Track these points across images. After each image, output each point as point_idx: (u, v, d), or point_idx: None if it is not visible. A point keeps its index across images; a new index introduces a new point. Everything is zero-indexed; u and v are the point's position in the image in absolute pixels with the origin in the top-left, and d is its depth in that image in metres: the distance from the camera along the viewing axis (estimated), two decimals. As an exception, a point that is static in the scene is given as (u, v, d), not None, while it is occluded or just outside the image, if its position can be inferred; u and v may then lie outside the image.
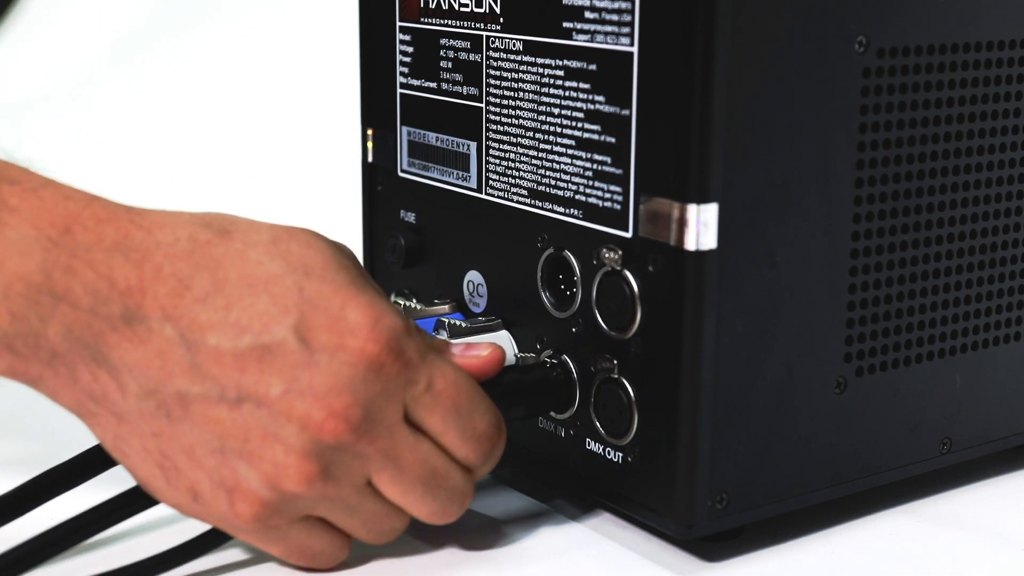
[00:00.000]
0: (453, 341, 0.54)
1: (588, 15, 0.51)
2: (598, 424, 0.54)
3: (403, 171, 0.64)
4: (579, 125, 0.53)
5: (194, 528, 0.50)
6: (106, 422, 0.46)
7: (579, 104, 0.53)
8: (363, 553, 0.52)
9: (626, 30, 0.50)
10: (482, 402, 0.50)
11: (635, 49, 0.50)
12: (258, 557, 0.52)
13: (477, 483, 0.52)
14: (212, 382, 0.44)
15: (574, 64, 0.53)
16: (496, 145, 0.57)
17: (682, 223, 0.48)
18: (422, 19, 0.61)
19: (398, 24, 0.62)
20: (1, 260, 0.43)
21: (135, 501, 0.49)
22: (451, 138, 0.60)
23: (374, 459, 0.47)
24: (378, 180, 0.66)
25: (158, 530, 0.54)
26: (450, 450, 0.49)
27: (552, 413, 0.56)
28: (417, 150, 0.62)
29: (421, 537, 0.54)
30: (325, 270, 0.46)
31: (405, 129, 0.63)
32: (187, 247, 0.45)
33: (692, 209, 0.48)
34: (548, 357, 0.56)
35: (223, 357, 0.44)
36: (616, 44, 0.50)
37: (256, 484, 0.45)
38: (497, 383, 0.53)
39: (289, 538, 0.48)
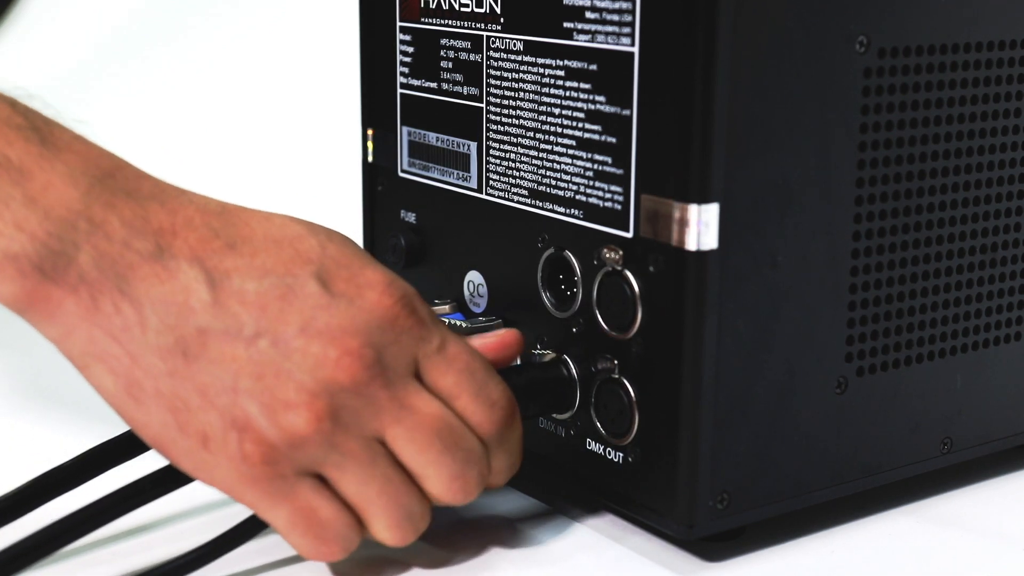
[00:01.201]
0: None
1: (589, 15, 0.51)
2: (599, 424, 0.54)
3: (403, 171, 0.64)
4: (580, 125, 0.53)
5: (194, 532, 0.50)
6: (119, 363, 0.46)
7: (580, 104, 0.53)
8: (363, 555, 0.52)
9: (627, 30, 0.50)
10: (496, 376, 0.50)
11: (636, 49, 0.50)
12: (269, 565, 0.52)
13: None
14: (232, 318, 0.46)
15: (575, 64, 0.53)
16: (496, 145, 0.57)
17: (683, 223, 0.48)
18: (422, 19, 0.61)
19: (398, 24, 0.62)
20: (48, 185, 0.45)
21: (132, 497, 0.49)
22: (451, 138, 0.60)
23: (386, 408, 0.47)
24: (378, 180, 0.66)
25: (155, 532, 0.54)
26: (464, 414, 0.49)
27: (552, 413, 0.56)
28: (417, 150, 0.62)
29: (422, 538, 0.54)
30: (344, 240, 0.49)
31: (405, 129, 0.63)
32: (217, 208, 0.48)
33: (693, 209, 0.48)
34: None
35: (245, 295, 0.46)
36: (617, 44, 0.50)
37: (266, 423, 0.45)
38: (514, 381, 0.53)
39: (296, 496, 0.47)
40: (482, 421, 0.49)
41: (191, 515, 0.55)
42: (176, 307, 0.45)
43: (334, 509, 0.48)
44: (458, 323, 0.57)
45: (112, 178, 0.47)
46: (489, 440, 0.50)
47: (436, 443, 0.48)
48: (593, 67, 0.52)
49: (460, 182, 0.60)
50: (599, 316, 0.53)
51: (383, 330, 0.47)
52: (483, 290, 0.60)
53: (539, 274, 0.56)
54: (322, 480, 0.47)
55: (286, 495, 0.47)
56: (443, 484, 0.49)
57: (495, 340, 0.53)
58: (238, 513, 0.50)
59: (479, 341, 0.53)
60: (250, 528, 0.50)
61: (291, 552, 0.52)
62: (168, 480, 0.49)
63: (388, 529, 0.49)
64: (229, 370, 0.45)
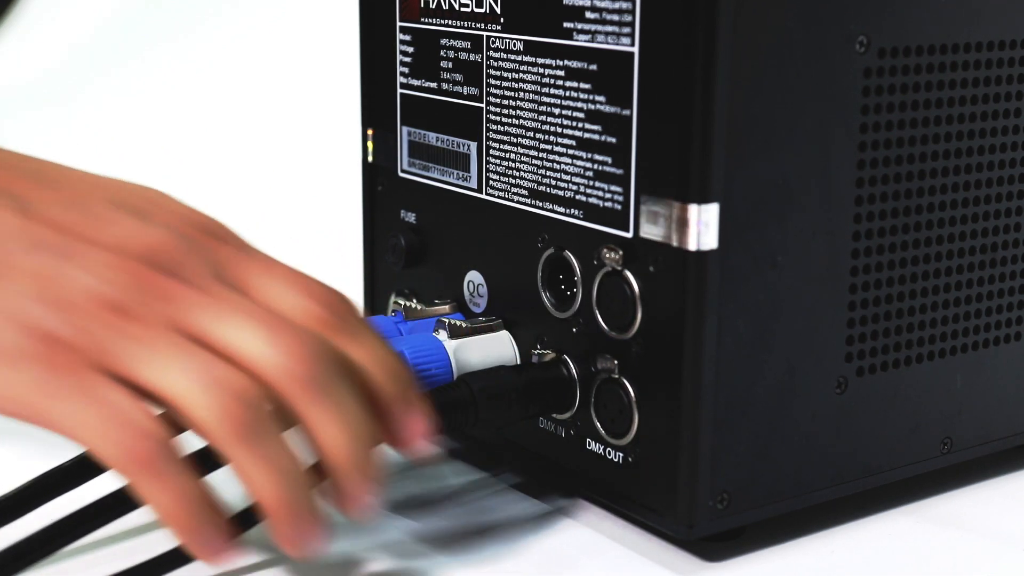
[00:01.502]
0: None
1: (589, 15, 0.51)
2: (598, 424, 0.54)
3: (403, 171, 0.64)
4: (580, 125, 0.53)
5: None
6: None
7: (580, 104, 0.53)
8: (363, 555, 0.52)
9: (627, 30, 0.50)
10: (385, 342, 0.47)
11: (636, 49, 0.50)
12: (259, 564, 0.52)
13: (473, 484, 0.51)
14: (35, 239, 0.44)
15: (575, 64, 0.53)
16: (496, 145, 0.57)
17: (683, 223, 0.48)
18: (422, 19, 0.61)
19: (398, 24, 0.62)
20: None
21: (133, 496, 0.49)
22: (451, 138, 0.60)
23: (183, 300, 0.43)
24: (378, 180, 0.66)
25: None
26: (277, 304, 0.45)
27: (552, 413, 0.56)
28: (417, 150, 0.62)
29: (419, 538, 0.54)
30: (144, 185, 0.49)
31: (405, 129, 0.63)
32: (23, 156, 0.49)
33: (693, 209, 0.48)
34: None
35: (51, 219, 0.45)
36: (617, 44, 0.50)
37: (54, 321, 0.43)
38: (513, 380, 0.53)
39: (96, 391, 0.42)
40: (308, 307, 0.45)
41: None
42: None
43: (138, 408, 0.42)
44: (458, 323, 0.57)
45: None
46: (328, 328, 0.45)
47: (249, 319, 0.43)
48: (593, 67, 0.52)
49: (460, 182, 0.60)
50: (599, 316, 0.53)
51: (177, 237, 0.45)
52: (483, 290, 0.59)
53: (539, 274, 0.56)
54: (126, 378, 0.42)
55: (86, 392, 0.42)
56: (263, 348, 0.43)
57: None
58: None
59: None
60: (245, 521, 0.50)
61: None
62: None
63: (209, 412, 0.42)
64: (20, 281, 0.44)
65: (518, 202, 0.57)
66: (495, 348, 0.57)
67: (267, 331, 0.43)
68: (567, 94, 0.53)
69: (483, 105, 0.58)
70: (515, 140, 0.56)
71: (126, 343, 0.43)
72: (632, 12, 0.49)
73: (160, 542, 0.51)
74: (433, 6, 0.60)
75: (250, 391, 0.42)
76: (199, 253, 0.45)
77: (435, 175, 0.61)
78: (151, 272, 0.44)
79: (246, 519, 0.47)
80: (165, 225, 0.46)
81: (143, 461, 0.42)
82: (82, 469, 0.50)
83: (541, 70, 0.54)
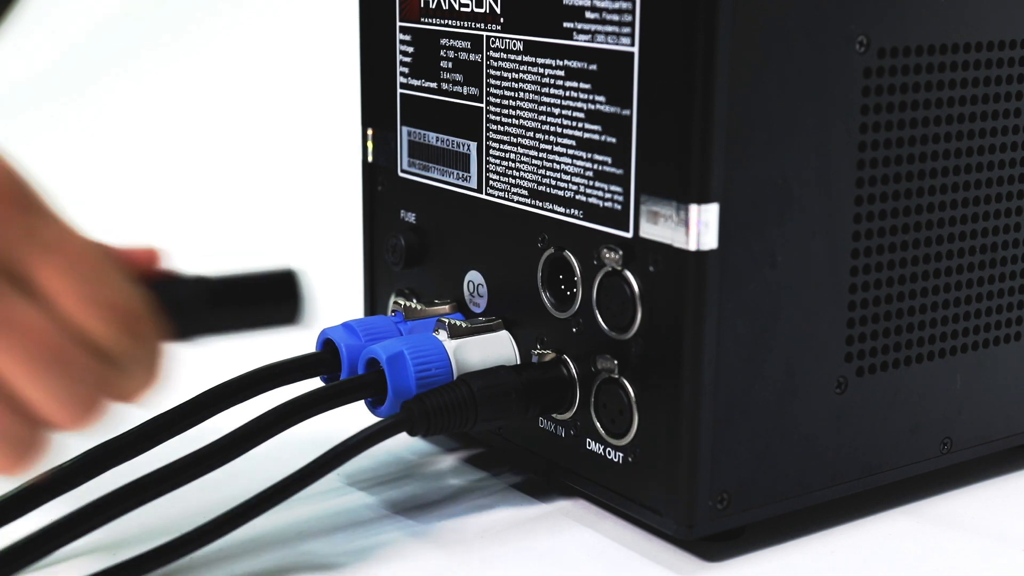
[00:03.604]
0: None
1: (589, 15, 0.51)
2: (598, 424, 0.54)
3: (403, 171, 0.64)
4: (579, 125, 0.53)
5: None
6: None
7: (580, 104, 0.53)
8: (362, 555, 0.52)
9: (627, 30, 0.50)
10: (122, 279, 0.40)
11: (636, 49, 0.50)
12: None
13: (470, 485, 0.51)
14: None
15: (575, 64, 0.53)
16: (496, 145, 0.57)
17: (683, 223, 0.48)
18: (422, 19, 0.61)
19: (398, 24, 0.62)
20: None
21: (133, 496, 0.49)
22: (451, 138, 0.60)
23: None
24: (378, 180, 0.66)
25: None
26: (77, 323, 0.39)
27: (552, 413, 0.56)
28: (417, 150, 0.62)
29: (419, 537, 0.54)
30: None
31: (405, 129, 0.63)
32: None
33: (693, 209, 0.48)
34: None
35: None
36: (617, 44, 0.50)
37: None
38: (513, 380, 0.52)
39: None
40: (102, 331, 0.39)
41: (191, 515, 0.55)
42: None
43: None
44: (458, 323, 0.57)
45: None
46: (111, 351, 0.40)
47: (40, 361, 0.38)
48: (593, 67, 0.52)
49: (460, 182, 0.60)
50: (599, 316, 0.53)
51: None
52: (483, 290, 0.60)
53: (539, 274, 0.56)
54: None
55: None
56: (51, 407, 0.39)
57: (130, 253, 0.43)
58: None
59: (114, 249, 0.42)
60: (242, 516, 0.50)
61: (290, 551, 0.52)
62: (169, 479, 0.49)
63: None
64: None
65: (518, 202, 0.57)
66: (495, 348, 0.57)
67: (48, 377, 0.39)
68: (567, 94, 0.53)
69: (483, 105, 0.58)
70: (515, 140, 0.56)
71: None
72: (632, 12, 0.49)
73: (158, 542, 0.51)
74: (433, 6, 0.60)
75: (34, 443, 0.40)
76: None
77: (435, 175, 0.61)
78: None
79: None
80: None
81: None
82: (82, 469, 0.50)
83: (541, 70, 0.54)
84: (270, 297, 0.46)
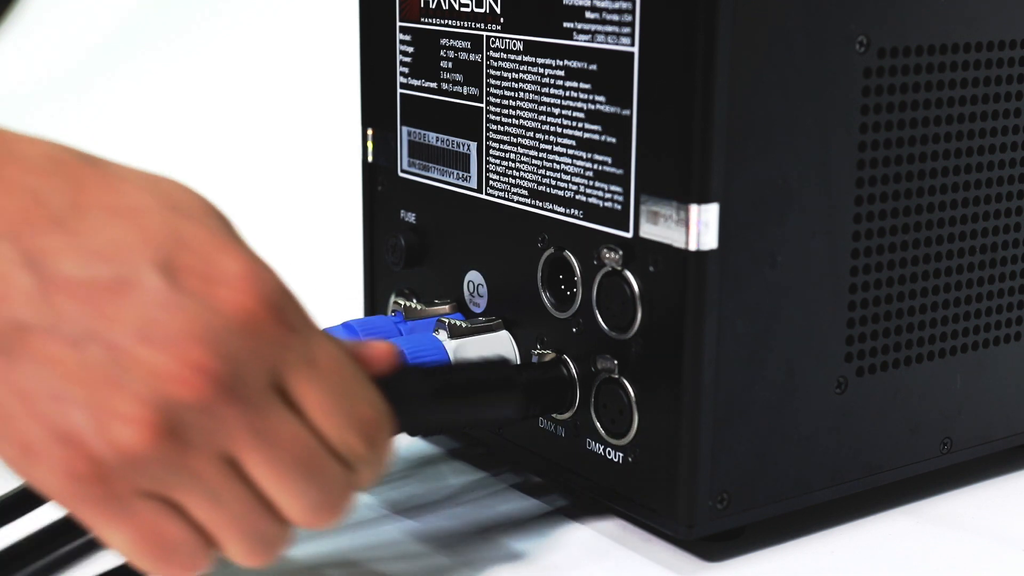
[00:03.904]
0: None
1: (589, 15, 0.51)
2: (598, 424, 0.53)
3: (403, 171, 0.64)
4: (579, 125, 0.53)
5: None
6: None
7: (580, 104, 0.53)
8: (362, 557, 0.52)
9: (627, 30, 0.50)
10: (369, 388, 0.43)
11: (636, 49, 0.50)
12: None
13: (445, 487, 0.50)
14: (56, 314, 0.38)
15: (575, 64, 0.53)
16: (496, 145, 0.57)
17: (683, 223, 0.48)
18: (422, 19, 0.61)
19: (398, 24, 0.62)
20: None
21: None
22: (451, 138, 0.60)
23: (239, 430, 0.40)
24: (378, 180, 0.66)
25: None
26: (328, 435, 0.42)
27: (552, 413, 0.56)
28: (417, 150, 0.62)
29: (419, 538, 0.54)
30: (201, 213, 0.41)
31: (405, 129, 0.63)
32: (46, 164, 0.40)
33: (693, 209, 0.48)
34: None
35: (72, 286, 0.38)
36: (617, 44, 0.50)
37: (96, 438, 0.38)
38: (513, 380, 0.52)
39: (136, 518, 0.40)
40: (350, 442, 0.42)
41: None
42: None
43: (181, 531, 0.41)
44: (458, 323, 0.57)
45: None
46: (357, 462, 0.43)
47: (296, 471, 0.41)
48: (593, 67, 0.52)
49: (460, 182, 0.60)
50: (599, 316, 0.53)
51: (238, 336, 0.39)
52: (483, 290, 0.59)
53: (539, 274, 0.56)
54: (166, 499, 0.40)
55: (123, 516, 0.40)
56: (303, 511, 0.42)
57: (370, 352, 0.46)
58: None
59: (355, 348, 0.45)
60: None
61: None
62: None
63: (241, 554, 0.42)
64: (54, 374, 0.38)
65: (518, 202, 0.57)
66: (495, 348, 0.57)
67: (301, 485, 0.42)
68: (567, 94, 0.53)
69: (483, 105, 0.58)
70: (515, 140, 0.56)
71: (175, 474, 0.40)
72: (632, 12, 0.49)
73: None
74: (433, 6, 0.60)
75: (279, 541, 0.43)
76: (259, 356, 0.40)
77: (435, 175, 0.61)
78: (207, 393, 0.39)
79: None
80: (222, 314, 0.39)
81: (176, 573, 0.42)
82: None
83: (541, 70, 0.54)
84: (490, 390, 0.50)
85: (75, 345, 0.38)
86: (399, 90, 0.63)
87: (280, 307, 0.40)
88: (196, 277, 0.39)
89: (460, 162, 0.60)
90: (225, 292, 0.39)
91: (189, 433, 0.39)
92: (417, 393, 0.48)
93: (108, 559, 0.50)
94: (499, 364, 0.52)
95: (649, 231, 0.50)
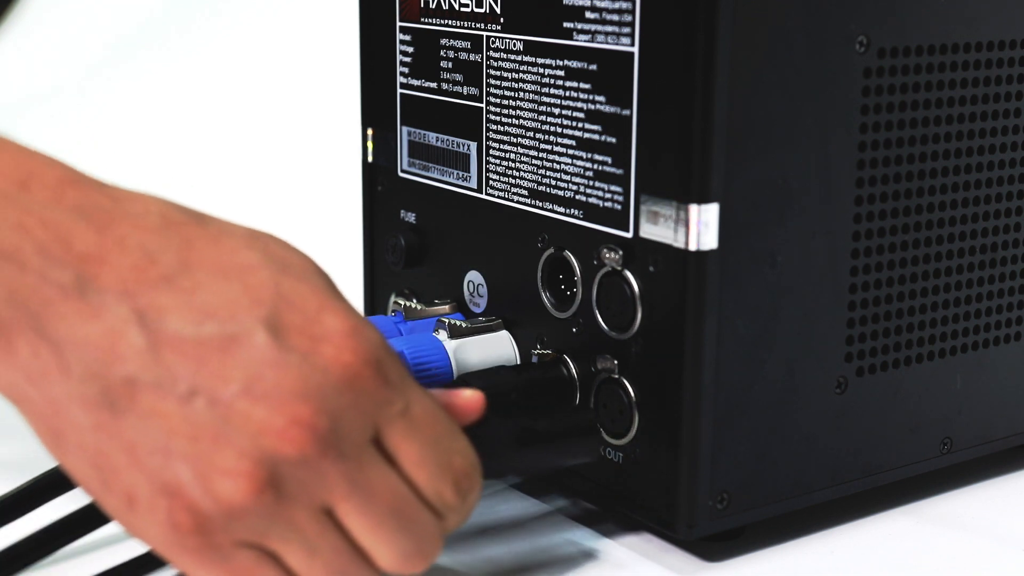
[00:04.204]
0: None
1: (589, 15, 0.51)
2: (599, 424, 0.53)
3: (403, 171, 0.64)
4: (579, 125, 0.53)
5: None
6: (40, 410, 0.40)
7: (580, 104, 0.53)
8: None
9: (627, 30, 0.50)
10: (460, 440, 0.45)
11: (636, 49, 0.50)
12: None
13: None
14: (165, 370, 0.39)
15: (575, 64, 0.53)
16: (496, 145, 0.57)
17: (683, 223, 0.48)
18: (422, 19, 0.61)
19: (398, 24, 0.62)
20: None
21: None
22: (451, 138, 0.60)
23: (338, 483, 0.41)
24: (378, 180, 0.66)
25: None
26: (422, 486, 0.43)
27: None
28: (417, 150, 0.62)
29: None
30: (303, 270, 0.42)
31: (405, 129, 0.63)
32: (157, 222, 0.41)
33: (693, 209, 0.48)
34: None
35: (181, 343, 0.39)
36: (617, 44, 0.50)
37: (200, 492, 0.40)
38: (514, 381, 0.52)
39: (234, 565, 0.41)
40: (442, 493, 0.44)
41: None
42: (102, 351, 0.39)
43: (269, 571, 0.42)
44: (458, 323, 0.57)
45: (26, 190, 0.40)
46: (448, 511, 0.44)
47: (390, 521, 0.42)
48: (593, 67, 0.52)
49: (460, 182, 0.60)
50: (599, 316, 0.53)
51: (340, 393, 0.40)
52: (483, 290, 0.59)
53: (539, 274, 0.56)
54: (263, 548, 0.42)
55: (222, 565, 0.41)
56: (394, 560, 0.43)
57: (462, 401, 0.47)
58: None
59: (444, 397, 0.47)
60: None
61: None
62: None
63: None
64: (161, 429, 0.39)
65: (518, 202, 0.57)
66: (495, 348, 0.57)
67: (394, 535, 0.43)
68: (567, 94, 0.53)
69: (483, 105, 0.58)
70: (515, 140, 0.56)
71: (274, 526, 0.41)
72: (632, 12, 0.49)
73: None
74: (433, 6, 0.60)
75: None
76: (359, 412, 0.41)
77: (435, 175, 0.61)
78: (310, 449, 0.40)
79: None
80: (325, 371, 0.40)
81: None
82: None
83: (541, 70, 0.54)
84: (570, 436, 0.51)
85: (182, 401, 0.39)
86: (399, 90, 0.63)
87: (380, 363, 0.42)
88: (300, 335, 0.40)
89: (460, 162, 0.60)
90: (328, 349, 0.41)
91: (289, 486, 0.40)
92: (500, 440, 0.49)
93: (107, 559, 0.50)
94: (576, 411, 0.53)
95: (649, 231, 0.50)
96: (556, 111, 0.54)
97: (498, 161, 0.57)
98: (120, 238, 0.40)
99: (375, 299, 0.67)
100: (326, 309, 0.41)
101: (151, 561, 0.50)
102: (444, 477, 0.44)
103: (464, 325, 0.57)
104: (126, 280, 0.40)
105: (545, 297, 0.56)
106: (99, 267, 0.40)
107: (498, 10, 0.56)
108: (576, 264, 0.54)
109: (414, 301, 0.63)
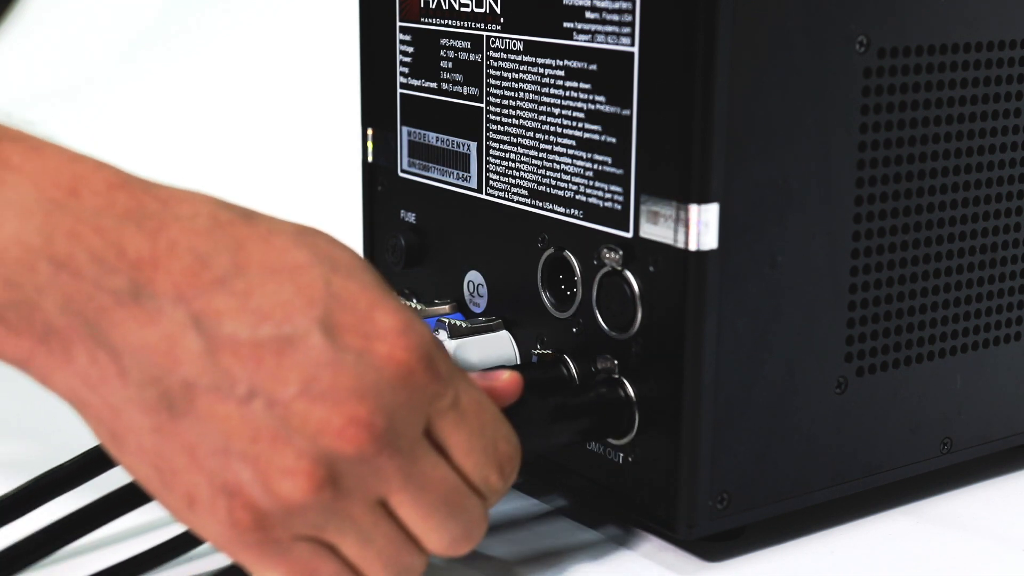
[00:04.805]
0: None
1: (589, 15, 0.51)
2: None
3: (403, 171, 0.64)
4: (580, 125, 0.53)
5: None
6: (100, 414, 0.41)
7: (580, 104, 0.53)
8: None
9: (627, 30, 0.50)
10: (504, 425, 0.46)
11: (636, 49, 0.50)
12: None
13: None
14: (223, 373, 0.40)
15: (575, 64, 0.53)
16: (496, 145, 0.57)
17: (683, 223, 0.48)
18: (422, 19, 0.61)
19: (398, 24, 0.62)
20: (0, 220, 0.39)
21: (124, 502, 0.49)
22: (451, 138, 0.60)
23: (393, 476, 0.42)
24: (378, 180, 0.66)
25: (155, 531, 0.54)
26: (470, 473, 0.45)
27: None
28: (417, 150, 0.62)
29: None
30: (352, 267, 0.43)
31: (405, 129, 0.63)
32: (207, 224, 0.41)
33: (693, 209, 0.48)
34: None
35: (238, 346, 0.40)
36: (617, 44, 0.50)
37: (259, 491, 0.41)
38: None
39: (292, 559, 0.43)
40: (489, 478, 0.45)
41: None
42: (159, 356, 0.40)
43: (332, 569, 0.44)
44: (458, 323, 0.57)
45: (76, 197, 0.40)
46: (492, 493, 0.46)
47: (441, 508, 0.44)
48: (593, 67, 0.52)
49: (460, 182, 0.60)
50: (599, 316, 0.53)
51: (395, 391, 0.41)
52: (483, 290, 0.60)
53: (539, 274, 0.56)
54: (320, 540, 0.43)
55: (281, 558, 0.43)
56: (444, 544, 0.45)
57: (503, 385, 0.48)
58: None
59: (485, 382, 0.48)
60: None
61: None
62: None
63: None
64: (220, 430, 0.40)
65: (518, 202, 0.57)
66: (495, 348, 0.57)
67: (445, 521, 0.44)
68: (567, 94, 0.53)
69: (483, 105, 0.58)
70: (515, 140, 0.56)
71: (331, 519, 0.42)
72: (632, 12, 0.49)
73: (158, 540, 0.51)
74: (433, 6, 0.60)
75: (419, 569, 0.45)
76: (413, 406, 0.42)
77: (435, 175, 0.61)
78: (368, 447, 0.41)
79: None
80: (379, 369, 0.41)
81: None
82: (83, 469, 0.50)
83: (541, 70, 0.54)
84: (599, 413, 0.52)
85: (241, 402, 0.40)
86: (399, 90, 0.63)
87: (431, 358, 0.42)
88: (354, 333, 0.41)
89: (460, 162, 0.60)
90: (382, 347, 0.41)
91: (347, 482, 0.41)
92: (536, 419, 0.50)
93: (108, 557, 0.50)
94: (607, 383, 0.53)
95: (649, 231, 0.50)
96: (556, 111, 0.54)
97: (498, 161, 0.57)
98: (172, 242, 0.40)
99: (375, 299, 0.67)
100: (377, 306, 0.42)
101: (151, 560, 0.50)
102: (490, 463, 0.45)
103: (464, 325, 0.57)
104: (180, 285, 0.40)
105: (545, 297, 0.56)
106: (153, 272, 0.40)
107: (498, 10, 0.56)
108: (576, 264, 0.54)
109: (414, 301, 0.63)
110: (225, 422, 0.40)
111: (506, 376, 0.49)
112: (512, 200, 0.57)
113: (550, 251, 0.55)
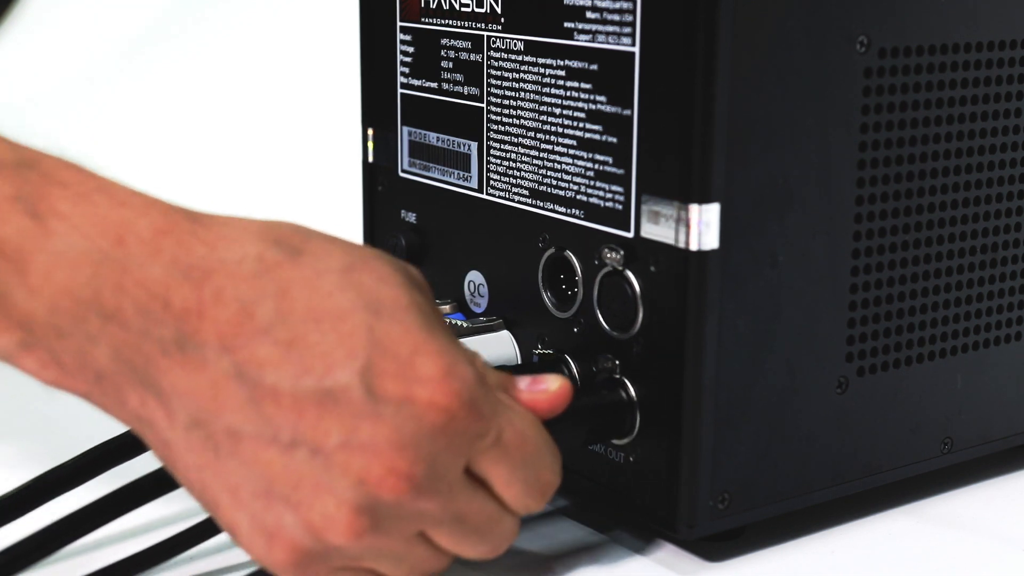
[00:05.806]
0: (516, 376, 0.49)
1: (589, 15, 0.51)
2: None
3: (404, 171, 0.64)
4: (580, 125, 0.53)
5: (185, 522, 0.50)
6: (154, 445, 0.44)
7: (580, 104, 0.53)
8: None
9: (628, 30, 0.50)
10: (548, 449, 0.47)
11: (636, 49, 0.50)
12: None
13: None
14: (266, 422, 0.41)
15: (575, 64, 0.53)
16: (497, 145, 0.57)
17: (684, 223, 0.48)
18: (423, 19, 0.61)
19: (398, 24, 0.62)
20: (48, 273, 0.40)
21: (124, 501, 0.49)
22: (452, 138, 0.60)
23: (431, 515, 0.44)
24: (378, 180, 0.66)
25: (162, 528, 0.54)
26: (510, 502, 0.46)
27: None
28: (418, 150, 0.62)
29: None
30: (396, 308, 0.43)
31: (406, 129, 0.63)
32: (253, 268, 0.42)
33: (694, 209, 0.48)
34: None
35: (281, 397, 0.41)
36: (617, 44, 0.50)
37: (300, 533, 0.42)
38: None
39: None
40: (529, 506, 0.47)
41: (192, 514, 0.55)
42: (206, 402, 0.41)
43: None
44: (459, 323, 0.57)
45: (122, 246, 0.41)
46: (525, 512, 0.47)
47: (475, 535, 0.46)
48: (594, 67, 0.52)
49: (460, 182, 0.60)
50: (600, 316, 0.53)
51: (434, 438, 0.42)
52: (484, 290, 0.60)
53: (540, 274, 0.56)
54: (357, 569, 0.45)
55: None
56: (473, 556, 0.47)
57: (545, 399, 0.48)
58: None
59: (528, 395, 0.48)
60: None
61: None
62: (169, 479, 0.49)
63: None
64: (263, 475, 0.42)
65: (519, 202, 0.57)
66: (495, 348, 0.57)
67: (479, 545, 0.46)
68: (568, 94, 0.53)
69: (484, 105, 0.58)
70: (516, 140, 0.56)
71: (368, 555, 0.44)
72: (632, 12, 0.49)
73: (157, 540, 0.51)
74: (433, 6, 0.60)
75: (443, 570, 0.46)
76: (454, 450, 0.43)
77: (435, 175, 0.61)
78: (407, 495, 0.42)
79: None
80: (420, 418, 0.42)
81: None
82: (83, 468, 0.50)
83: (542, 70, 0.54)
84: (599, 414, 0.52)
85: (284, 450, 0.41)
86: (399, 90, 0.63)
87: (473, 401, 0.43)
88: (395, 380, 0.42)
89: (461, 162, 0.60)
90: (423, 393, 0.42)
91: (386, 524, 0.43)
92: (574, 434, 0.51)
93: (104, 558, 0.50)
94: (608, 383, 0.53)
95: (650, 231, 0.50)
96: (557, 111, 0.54)
97: (499, 161, 0.57)
98: (217, 291, 0.41)
99: (375, 299, 0.67)
100: (419, 351, 0.42)
101: (151, 559, 0.50)
102: (530, 492, 0.46)
103: (465, 325, 0.57)
104: (224, 335, 0.41)
105: (546, 297, 0.56)
106: (199, 322, 0.41)
107: (499, 10, 0.56)
108: (577, 264, 0.54)
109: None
110: (268, 467, 0.42)
111: (555, 388, 0.48)
112: (513, 200, 0.57)
113: (551, 251, 0.55)
